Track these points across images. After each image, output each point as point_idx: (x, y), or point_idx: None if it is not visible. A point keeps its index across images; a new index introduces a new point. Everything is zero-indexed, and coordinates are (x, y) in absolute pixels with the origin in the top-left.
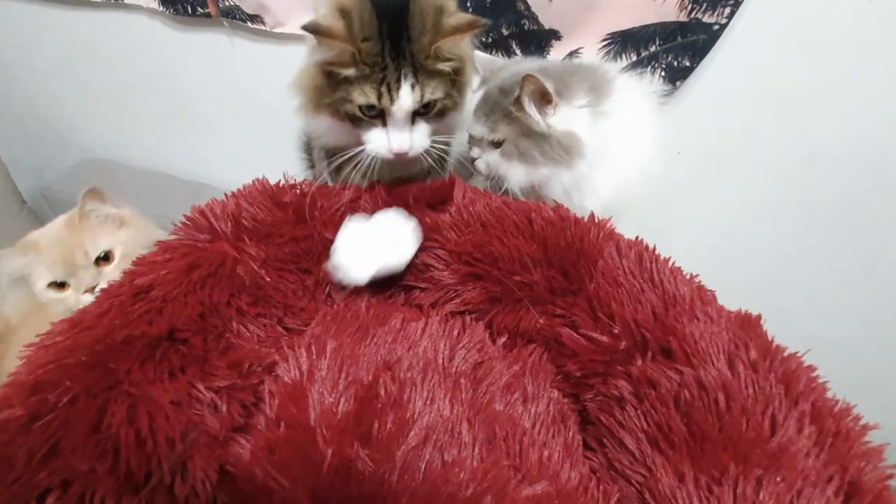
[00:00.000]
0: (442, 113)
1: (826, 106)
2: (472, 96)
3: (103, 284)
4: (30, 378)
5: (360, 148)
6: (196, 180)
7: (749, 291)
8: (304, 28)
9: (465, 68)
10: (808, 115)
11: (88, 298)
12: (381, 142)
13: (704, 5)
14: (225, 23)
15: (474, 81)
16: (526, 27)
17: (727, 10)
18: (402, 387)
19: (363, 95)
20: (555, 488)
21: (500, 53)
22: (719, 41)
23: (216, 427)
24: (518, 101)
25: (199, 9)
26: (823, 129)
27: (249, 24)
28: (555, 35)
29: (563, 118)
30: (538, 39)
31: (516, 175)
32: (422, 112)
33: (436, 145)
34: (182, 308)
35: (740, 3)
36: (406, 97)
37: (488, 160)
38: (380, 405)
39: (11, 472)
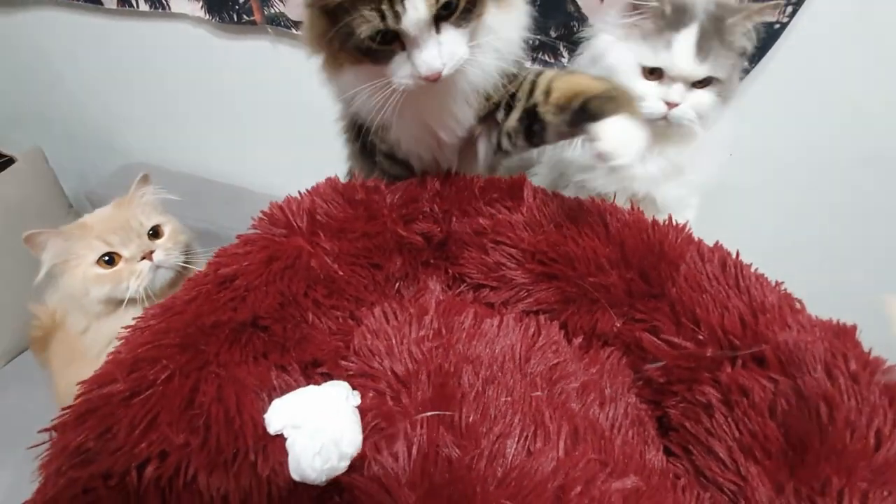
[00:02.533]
0: (470, 8)
1: (891, 106)
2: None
3: (160, 256)
4: (129, 356)
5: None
6: (236, 185)
7: (811, 297)
8: None
9: None
10: (871, 116)
11: (145, 267)
12: (406, 71)
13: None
14: (269, 30)
15: None
16: (575, 29)
17: (789, 10)
18: (482, 380)
19: (365, 22)
20: (646, 484)
21: (547, 55)
22: (779, 41)
23: None
24: (740, 29)
25: (245, 16)
26: (888, 130)
27: (294, 30)
28: None
29: None
30: (583, 38)
31: (713, 116)
32: (444, 16)
33: (479, 58)
34: (264, 297)
35: (802, 2)
36: (416, 4)
37: (699, 103)
38: (461, 394)
39: (114, 441)
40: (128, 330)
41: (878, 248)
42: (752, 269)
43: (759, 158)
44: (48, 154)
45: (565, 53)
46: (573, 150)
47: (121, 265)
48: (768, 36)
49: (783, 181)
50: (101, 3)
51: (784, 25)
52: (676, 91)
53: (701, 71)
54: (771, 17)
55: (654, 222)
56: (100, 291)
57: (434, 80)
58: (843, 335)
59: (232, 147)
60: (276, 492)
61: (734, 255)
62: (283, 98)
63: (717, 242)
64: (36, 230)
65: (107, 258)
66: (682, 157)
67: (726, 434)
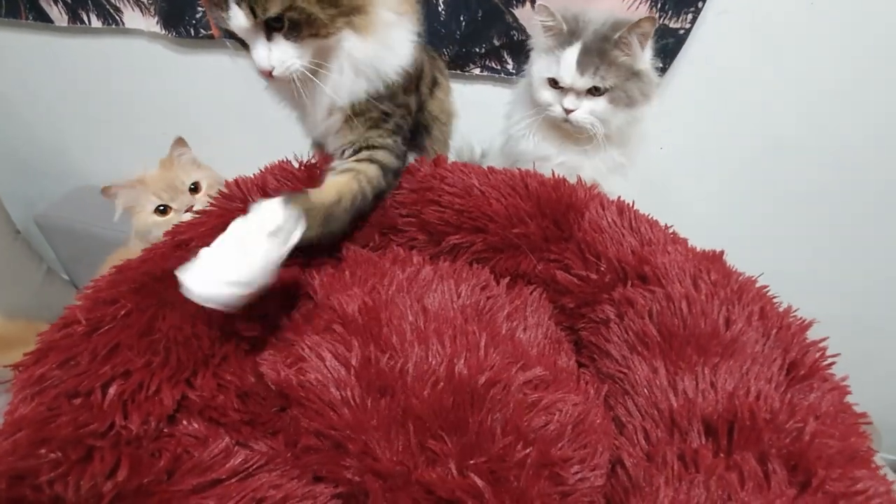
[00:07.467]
0: (296, 27)
1: (786, 100)
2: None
3: (198, 206)
4: (89, 301)
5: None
6: None
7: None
8: None
9: None
10: (770, 109)
11: (187, 217)
12: (251, 59)
13: (670, 12)
14: (228, 44)
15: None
16: (515, 38)
17: (689, 16)
18: (414, 311)
19: (222, 20)
20: (551, 374)
21: (493, 62)
22: (686, 43)
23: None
24: (623, 43)
25: (203, 31)
26: (785, 122)
27: None
28: None
29: (646, 57)
30: (527, 49)
31: (617, 120)
32: (276, 28)
33: (333, 75)
34: None
35: (700, 9)
36: (236, 15)
37: (593, 109)
38: (396, 319)
39: (78, 367)
40: (84, 290)
41: (784, 217)
42: (647, 216)
43: (679, 150)
44: None
45: (509, 59)
46: (526, 141)
47: (171, 215)
48: (675, 40)
49: (702, 170)
50: (51, 21)
51: (688, 31)
52: (569, 99)
53: (582, 82)
54: (650, 28)
55: (565, 181)
56: (159, 231)
57: (267, 76)
58: (712, 258)
59: None
60: (238, 397)
61: (630, 205)
62: (245, 111)
63: (618, 197)
64: (110, 184)
65: (161, 208)
66: (623, 157)
67: (619, 338)
